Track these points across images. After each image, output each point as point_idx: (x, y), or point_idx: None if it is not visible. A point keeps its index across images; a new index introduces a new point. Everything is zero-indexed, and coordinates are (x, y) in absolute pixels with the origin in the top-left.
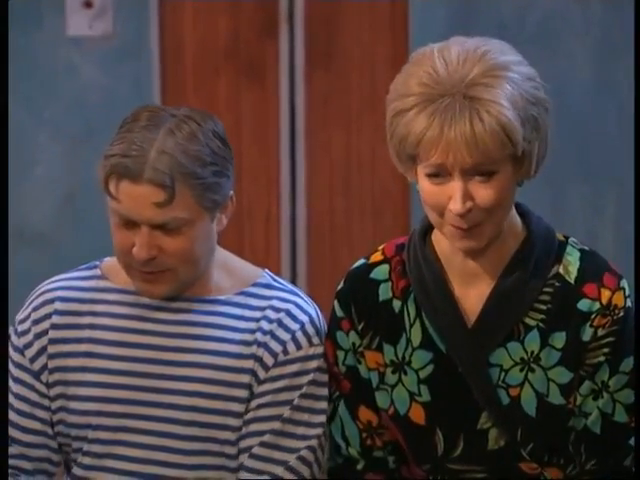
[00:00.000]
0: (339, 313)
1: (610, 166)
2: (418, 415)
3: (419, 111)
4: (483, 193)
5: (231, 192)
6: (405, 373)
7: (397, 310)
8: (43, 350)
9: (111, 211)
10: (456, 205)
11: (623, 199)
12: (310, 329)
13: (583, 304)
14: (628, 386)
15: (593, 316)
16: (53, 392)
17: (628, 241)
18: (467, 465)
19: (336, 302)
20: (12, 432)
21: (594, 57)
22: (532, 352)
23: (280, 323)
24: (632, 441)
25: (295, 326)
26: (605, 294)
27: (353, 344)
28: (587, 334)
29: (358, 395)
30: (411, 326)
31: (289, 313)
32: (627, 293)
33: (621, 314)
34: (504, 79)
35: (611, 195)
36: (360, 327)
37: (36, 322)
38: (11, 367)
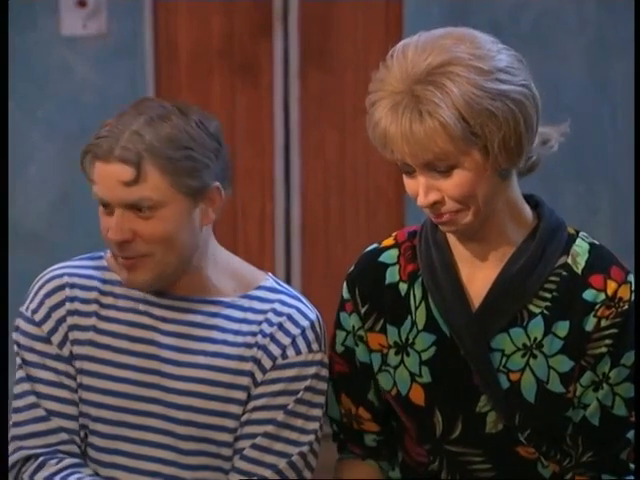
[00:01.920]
0: (345, 295)
1: (605, 165)
2: (418, 396)
3: (376, 107)
4: (447, 186)
5: (216, 184)
6: (407, 354)
7: (403, 293)
8: (66, 335)
9: (94, 197)
10: (419, 198)
11: (618, 198)
12: (310, 335)
13: (588, 294)
14: (629, 380)
15: (597, 307)
16: (79, 379)
17: (623, 240)
18: (465, 447)
19: (344, 284)
20: (59, 422)
21: (588, 56)
22: (535, 338)
23: (281, 327)
24: (630, 435)
25: (296, 331)
26: (611, 286)
27: (353, 327)
28: (590, 324)
29: (344, 382)
30: (416, 309)
31: (290, 318)
32: (633, 288)
33: (626, 307)
34: (449, 76)
35: (606, 194)
36: (364, 310)
37: (54, 308)
38: (34, 358)
